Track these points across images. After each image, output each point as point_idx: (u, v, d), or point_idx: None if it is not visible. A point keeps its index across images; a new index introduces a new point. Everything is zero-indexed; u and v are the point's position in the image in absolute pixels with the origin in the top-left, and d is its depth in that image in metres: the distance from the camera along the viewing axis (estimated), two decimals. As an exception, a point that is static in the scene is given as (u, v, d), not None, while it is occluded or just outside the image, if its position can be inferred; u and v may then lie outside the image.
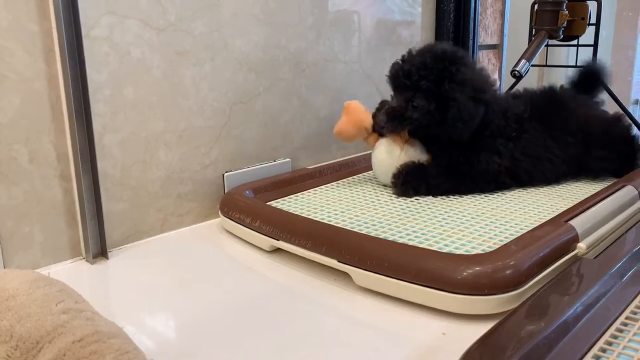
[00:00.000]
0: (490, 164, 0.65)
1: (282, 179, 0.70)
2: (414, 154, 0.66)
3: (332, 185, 0.72)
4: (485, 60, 1.06)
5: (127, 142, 0.58)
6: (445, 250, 0.49)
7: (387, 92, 0.67)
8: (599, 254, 0.47)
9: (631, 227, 0.54)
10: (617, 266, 0.44)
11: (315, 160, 0.78)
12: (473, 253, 0.48)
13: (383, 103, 0.67)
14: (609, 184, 0.66)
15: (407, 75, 0.62)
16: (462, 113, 0.61)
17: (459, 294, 0.43)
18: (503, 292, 0.43)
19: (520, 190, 0.67)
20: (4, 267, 0.51)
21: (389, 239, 0.52)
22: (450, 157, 0.65)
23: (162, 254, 0.59)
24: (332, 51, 0.78)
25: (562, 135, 0.66)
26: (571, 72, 0.76)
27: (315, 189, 0.70)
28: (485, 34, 1.05)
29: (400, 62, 0.65)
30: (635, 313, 0.39)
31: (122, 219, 0.59)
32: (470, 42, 0.95)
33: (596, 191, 0.63)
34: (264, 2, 0.68)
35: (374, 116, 0.67)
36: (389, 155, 0.67)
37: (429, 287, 0.44)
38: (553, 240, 0.49)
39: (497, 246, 0.49)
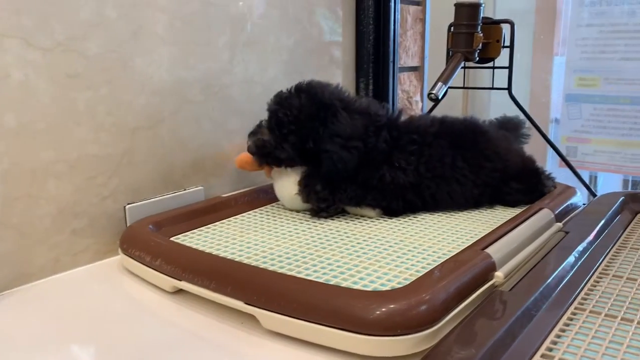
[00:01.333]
0: (395, 178, 0.63)
1: (192, 209, 0.65)
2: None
3: (249, 214, 0.67)
4: (406, 82, 1.06)
5: (8, 175, 0.52)
6: (359, 285, 0.46)
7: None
8: (515, 284, 0.45)
9: (548, 252, 0.53)
10: (532, 299, 0.42)
11: (232, 187, 0.74)
12: (386, 288, 0.45)
13: (259, 127, 0.65)
14: (524, 209, 0.65)
15: (279, 123, 0.63)
16: (335, 164, 0.61)
17: (372, 336, 0.40)
18: (418, 331, 0.40)
19: (436, 215, 0.65)
20: None
21: (301, 274, 0.48)
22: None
23: (53, 299, 0.52)
24: (247, 72, 0.74)
25: (476, 158, 0.65)
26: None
27: (230, 219, 0.66)
28: (406, 56, 1.05)
29: (278, 102, 0.64)
30: (550, 350, 0.37)
31: (4, 261, 0.52)
32: (391, 64, 0.94)
33: (512, 216, 0.62)
34: (168, 21, 0.64)
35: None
36: (287, 178, 0.65)
37: (340, 329, 0.40)
38: (469, 271, 0.47)
39: (412, 278, 0.46)
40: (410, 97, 1.07)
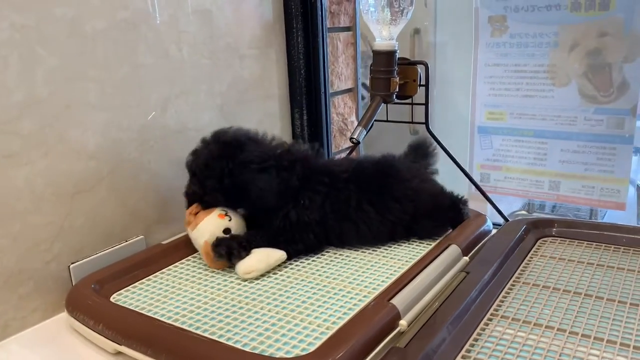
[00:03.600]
0: (301, 215, 0.69)
1: (132, 263, 0.69)
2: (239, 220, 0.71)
3: (187, 260, 0.73)
4: (341, 105, 1.12)
5: (-48, 257, 0.56)
6: (277, 347, 0.52)
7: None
8: (410, 339, 0.52)
9: (449, 295, 0.60)
10: (423, 354, 0.50)
11: (172, 232, 0.79)
12: (300, 352, 0.51)
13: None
14: (435, 242, 0.73)
15: (193, 173, 0.71)
16: (262, 189, 0.67)
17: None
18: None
19: (345, 256, 0.71)
20: None
21: (231, 340, 0.54)
22: (263, 216, 0.70)
23: (3, 365, 0.57)
24: (181, 122, 0.79)
25: (384, 202, 0.71)
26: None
27: (170, 267, 0.71)
28: (339, 81, 1.10)
29: (191, 156, 0.71)
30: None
31: (-46, 335, 0.56)
32: (322, 94, 0.99)
33: (423, 253, 0.69)
34: (99, 89, 0.67)
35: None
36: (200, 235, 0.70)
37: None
38: (375, 325, 0.54)
39: (324, 336, 0.53)
40: (345, 119, 1.13)
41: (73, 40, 0.64)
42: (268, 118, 0.96)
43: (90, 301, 0.61)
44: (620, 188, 0.77)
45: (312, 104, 1.01)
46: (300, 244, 0.70)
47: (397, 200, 0.72)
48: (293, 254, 0.71)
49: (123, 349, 0.55)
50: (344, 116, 1.13)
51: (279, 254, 0.68)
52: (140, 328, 0.56)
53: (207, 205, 0.71)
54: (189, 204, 0.72)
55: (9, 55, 0.58)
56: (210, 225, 0.69)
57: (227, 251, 0.66)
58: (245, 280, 0.66)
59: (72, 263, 0.67)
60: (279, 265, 0.69)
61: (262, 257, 0.67)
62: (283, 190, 0.69)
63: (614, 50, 0.75)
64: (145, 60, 0.72)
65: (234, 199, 0.71)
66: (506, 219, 0.85)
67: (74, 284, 0.66)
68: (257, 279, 0.66)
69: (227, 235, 0.69)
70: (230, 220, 0.70)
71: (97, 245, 0.70)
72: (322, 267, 0.69)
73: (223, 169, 0.68)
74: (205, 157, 0.69)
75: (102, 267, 0.68)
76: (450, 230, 0.76)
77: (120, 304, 0.62)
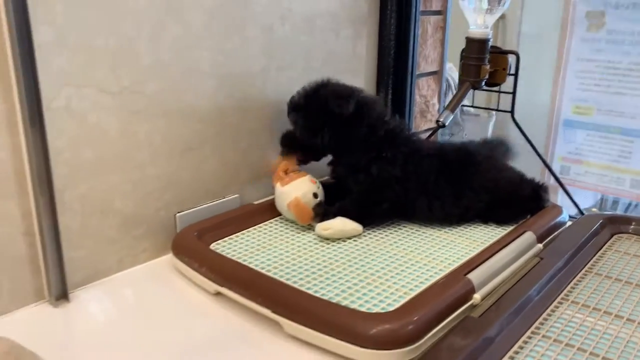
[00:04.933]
0: (382, 170, 0.74)
1: (228, 217, 0.77)
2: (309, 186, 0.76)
3: (275, 220, 0.80)
4: (425, 87, 1.14)
5: (85, 197, 0.65)
6: (360, 303, 0.58)
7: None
8: (485, 311, 0.57)
9: (522, 277, 0.64)
10: (495, 325, 0.54)
11: (263, 193, 0.86)
12: (379, 309, 0.57)
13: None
14: (511, 228, 0.76)
15: (292, 109, 0.78)
16: (338, 99, 0.74)
17: (369, 349, 0.52)
18: (404, 347, 0.52)
19: (424, 231, 0.76)
20: (-25, 315, 0.58)
21: (318, 292, 0.60)
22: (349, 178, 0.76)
23: (118, 293, 0.66)
24: (278, 95, 0.85)
25: (460, 186, 0.75)
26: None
27: (260, 224, 0.78)
28: (426, 63, 1.13)
29: (294, 97, 0.78)
30: (501, 370, 0.49)
31: (83, 263, 0.66)
32: (409, 76, 1.03)
33: (497, 238, 0.73)
34: (212, 58, 0.74)
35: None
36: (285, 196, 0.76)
37: (344, 342, 0.53)
38: (451, 295, 0.58)
39: (403, 299, 0.58)
40: (427, 101, 1.16)
41: (195, 12, 0.71)
42: (355, 95, 1.00)
43: (194, 247, 0.69)
44: None
45: (397, 84, 1.04)
46: (385, 203, 0.75)
47: (473, 189, 0.75)
48: (380, 216, 0.76)
49: (224, 290, 0.62)
50: (426, 98, 1.16)
51: (355, 225, 0.74)
52: (240, 274, 0.63)
53: (306, 149, 0.78)
54: (288, 151, 0.79)
55: (142, 23, 0.66)
56: (304, 185, 0.76)
57: (324, 212, 0.74)
58: (324, 238, 0.72)
59: (178, 212, 0.75)
60: (360, 235, 0.75)
61: (340, 221, 0.74)
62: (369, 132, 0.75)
63: None
64: (252, 33, 0.79)
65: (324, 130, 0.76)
66: (582, 212, 0.87)
67: (178, 230, 0.74)
68: (338, 243, 0.72)
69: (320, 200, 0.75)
70: (318, 187, 0.76)
71: (199, 199, 0.78)
72: (400, 239, 0.74)
73: (310, 103, 0.76)
74: (297, 100, 0.77)
75: (202, 219, 0.76)
76: (529, 216, 0.79)
77: (220, 252, 0.69)
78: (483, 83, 0.84)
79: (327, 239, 0.73)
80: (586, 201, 1.02)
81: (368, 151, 0.75)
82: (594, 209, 1.04)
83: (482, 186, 0.75)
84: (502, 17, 1.31)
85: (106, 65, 0.63)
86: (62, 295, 0.63)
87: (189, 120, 0.74)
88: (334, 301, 0.58)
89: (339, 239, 0.73)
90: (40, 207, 0.60)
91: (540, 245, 0.73)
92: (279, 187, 0.78)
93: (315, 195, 0.75)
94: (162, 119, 0.70)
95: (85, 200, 0.65)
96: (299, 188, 0.75)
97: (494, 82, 0.87)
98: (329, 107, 0.74)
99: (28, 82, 0.56)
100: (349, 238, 0.74)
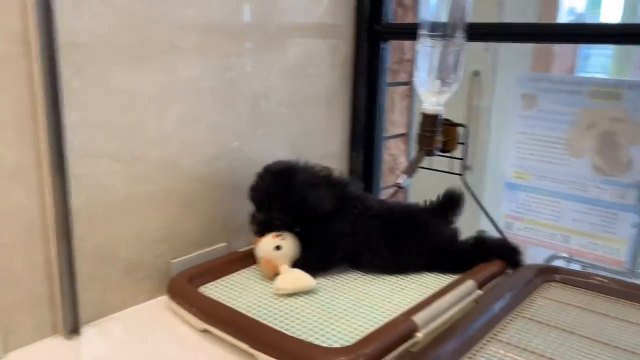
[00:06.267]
0: (337, 226, 0.88)
1: (216, 264, 0.90)
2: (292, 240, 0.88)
3: (257, 266, 0.93)
4: (393, 147, 1.30)
5: (97, 247, 0.78)
6: (322, 340, 0.71)
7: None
8: (422, 347, 0.70)
9: (458, 319, 0.77)
10: (433, 355, 0.67)
11: (247, 241, 0.99)
12: (339, 346, 0.70)
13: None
14: (457, 276, 0.89)
15: (260, 202, 0.88)
16: (318, 199, 0.86)
17: (325, 376, 0.65)
18: (354, 375, 0.65)
19: (382, 277, 0.89)
20: (4, 345, 0.70)
21: (289, 330, 0.73)
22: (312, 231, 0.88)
23: (120, 329, 0.78)
24: (261, 157, 0.99)
25: (401, 243, 0.89)
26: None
27: (244, 269, 0.91)
28: (394, 127, 1.29)
29: (254, 190, 0.88)
30: (430, 393, 0.62)
31: (92, 302, 0.78)
32: (378, 138, 1.18)
33: (444, 284, 0.86)
34: (209, 130, 0.89)
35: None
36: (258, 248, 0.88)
37: (307, 370, 0.66)
38: (398, 333, 0.71)
39: (358, 337, 0.71)
40: (396, 159, 1.31)
41: (193, 93, 0.86)
42: (330, 156, 1.15)
43: (185, 290, 0.82)
44: (620, 247, 0.91)
45: (368, 146, 1.19)
46: (338, 252, 0.89)
47: (410, 251, 0.89)
48: (334, 263, 0.90)
49: (209, 327, 0.75)
50: (394, 156, 1.31)
51: (307, 282, 0.84)
52: (222, 314, 0.76)
53: (277, 228, 0.89)
54: (261, 232, 0.89)
55: (150, 104, 0.80)
56: (267, 243, 0.88)
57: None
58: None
59: (173, 259, 0.88)
60: (326, 278, 0.88)
61: (291, 279, 0.84)
62: (333, 200, 0.87)
63: (624, 133, 0.90)
64: (241, 110, 0.93)
65: (297, 215, 0.88)
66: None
67: (173, 275, 0.87)
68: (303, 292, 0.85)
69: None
70: (282, 239, 0.88)
71: (192, 247, 0.91)
72: (360, 284, 0.87)
73: (282, 193, 0.86)
74: (266, 186, 0.88)
75: (194, 265, 0.89)
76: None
77: (207, 294, 0.82)
78: (436, 151, 0.99)
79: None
80: (541, 255, 1.16)
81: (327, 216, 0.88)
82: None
83: (418, 249, 0.90)
84: (476, 73, 1.51)
85: (119, 139, 0.77)
86: (74, 329, 0.76)
87: (186, 182, 0.87)
88: (301, 337, 0.71)
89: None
90: (61, 255, 0.73)
91: (480, 292, 0.86)
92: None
93: (277, 248, 0.87)
94: (163, 181, 0.84)
95: (97, 249, 0.78)
96: (262, 247, 0.88)
97: (446, 149, 1.02)
98: (308, 204, 0.86)
99: (57, 155, 0.70)
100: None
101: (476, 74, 1.58)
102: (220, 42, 0.88)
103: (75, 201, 0.74)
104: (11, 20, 0.65)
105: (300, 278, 0.85)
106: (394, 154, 1.31)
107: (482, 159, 1.21)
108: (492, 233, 1.00)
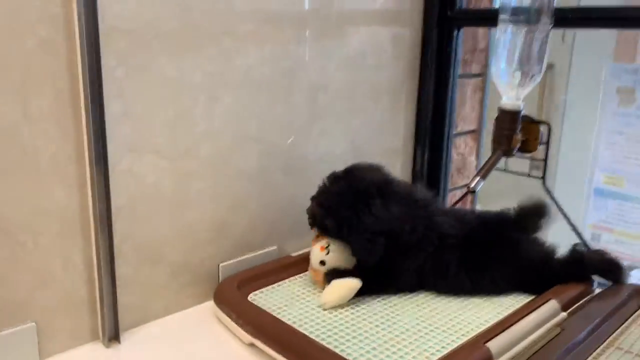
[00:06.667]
0: (401, 264, 0.78)
1: (267, 269, 0.83)
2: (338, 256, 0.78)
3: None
4: (462, 145, 1.19)
5: (140, 248, 0.72)
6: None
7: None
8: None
9: (539, 348, 0.66)
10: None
11: (300, 245, 0.92)
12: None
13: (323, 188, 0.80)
14: (535, 296, 0.78)
15: (321, 204, 0.78)
16: (358, 253, 0.76)
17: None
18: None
19: (450, 302, 0.78)
20: (39, 351, 0.65)
21: (344, 352, 0.64)
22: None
23: (163, 337, 0.73)
24: (317, 154, 0.91)
25: (485, 271, 0.78)
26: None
27: (296, 276, 0.84)
28: (464, 123, 1.18)
29: (324, 187, 0.79)
30: None
31: (134, 307, 0.73)
32: (445, 135, 1.07)
33: (522, 304, 0.76)
34: (259, 125, 0.82)
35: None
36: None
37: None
38: (469, 363, 0.62)
39: (423, 365, 0.62)
40: (465, 158, 1.20)
41: (245, 84, 0.79)
42: (392, 153, 1.06)
43: (233, 298, 0.75)
44: None
45: (435, 143, 1.09)
46: (392, 288, 0.79)
47: (493, 281, 0.78)
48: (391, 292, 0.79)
49: (257, 342, 0.68)
50: (463, 155, 1.20)
51: (350, 285, 0.75)
52: (272, 328, 0.68)
53: (321, 227, 0.80)
54: (311, 219, 0.81)
55: (199, 95, 0.74)
56: (314, 254, 0.80)
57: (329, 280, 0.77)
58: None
59: (221, 262, 0.81)
60: (383, 298, 0.78)
61: (335, 291, 0.75)
62: (384, 257, 0.76)
63: None
64: (296, 101, 0.86)
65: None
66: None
67: (220, 280, 0.81)
68: (366, 301, 0.77)
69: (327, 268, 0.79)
70: (327, 253, 0.79)
71: (241, 250, 0.84)
72: (425, 301, 0.78)
73: (347, 218, 0.75)
74: (334, 198, 0.77)
75: (243, 269, 0.82)
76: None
77: (256, 304, 0.75)
78: (514, 151, 0.88)
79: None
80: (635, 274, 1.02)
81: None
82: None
83: (504, 275, 0.78)
84: (550, 66, 1.37)
85: (165, 133, 0.71)
86: (114, 336, 0.71)
87: (236, 180, 0.81)
88: (358, 361, 0.63)
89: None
90: (100, 257, 0.68)
91: (564, 314, 0.75)
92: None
93: (322, 263, 0.79)
94: (212, 179, 0.78)
95: (139, 250, 0.72)
96: (312, 257, 0.81)
97: (525, 150, 0.91)
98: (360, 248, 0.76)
99: (98, 149, 0.65)
100: (375, 299, 0.78)
101: (550, 66, 1.43)
102: (276, 29, 0.81)
103: (117, 199, 0.68)
104: (51, 2, 0.60)
105: (342, 285, 0.76)
106: (463, 152, 1.20)
107: (555, 160, 1.08)
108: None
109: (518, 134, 0.87)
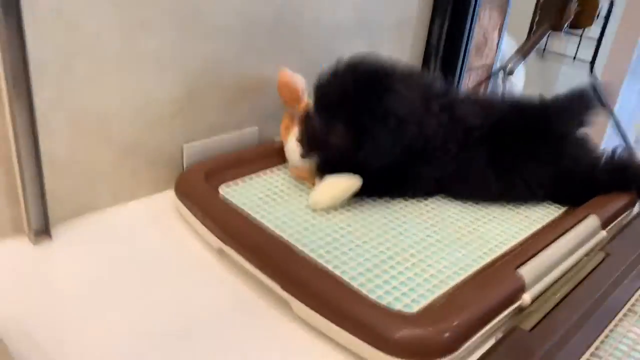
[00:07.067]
0: (422, 171, 0.63)
1: (243, 156, 0.67)
2: None
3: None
4: (485, 18, 0.98)
5: (76, 120, 0.54)
6: (385, 290, 0.48)
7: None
8: (536, 324, 0.47)
9: (581, 279, 0.53)
10: (550, 344, 0.44)
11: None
12: (410, 302, 0.47)
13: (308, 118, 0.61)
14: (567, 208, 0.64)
15: (328, 99, 0.58)
16: (376, 150, 0.58)
17: (390, 355, 0.43)
18: (437, 358, 0.43)
19: (469, 209, 0.64)
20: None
21: (337, 268, 0.51)
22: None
23: (109, 232, 0.57)
24: (314, 16, 0.71)
25: (517, 165, 0.63)
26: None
27: (279, 166, 0.68)
28: (492, -10, 0.96)
29: (326, 80, 0.58)
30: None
31: (69, 195, 0.57)
32: (472, 5, 0.87)
33: (554, 217, 0.62)
34: (242, -38, 0.60)
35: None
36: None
37: (362, 340, 0.44)
38: (498, 294, 0.48)
39: (437, 291, 0.49)
40: (486, 34, 1.01)
41: None
42: (404, 24, 0.86)
43: (200, 190, 0.59)
44: None
45: (456, 12, 0.89)
46: (401, 192, 0.64)
47: (536, 174, 0.63)
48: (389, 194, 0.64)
49: (227, 249, 0.53)
50: (486, 30, 1.00)
51: (347, 183, 0.60)
52: (249, 234, 0.53)
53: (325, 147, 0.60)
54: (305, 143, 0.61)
55: None
56: (290, 150, 0.64)
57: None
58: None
59: (186, 142, 0.64)
60: (385, 200, 0.63)
61: (327, 189, 0.60)
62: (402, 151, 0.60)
63: None
64: None
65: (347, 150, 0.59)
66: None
67: (185, 165, 0.64)
68: (367, 203, 0.62)
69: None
70: None
71: (212, 129, 0.67)
72: (440, 209, 0.63)
73: (367, 100, 0.57)
74: (345, 82, 0.58)
75: (214, 155, 0.66)
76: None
77: (228, 200, 0.59)
78: (566, 25, 0.69)
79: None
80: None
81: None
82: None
83: (541, 179, 0.64)
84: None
85: (106, -41, 0.50)
86: (42, 230, 0.55)
87: (206, 37, 0.61)
88: (354, 284, 0.49)
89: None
90: (17, 128, 0.50)
91: (604, 233, 0.62)
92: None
93: (304, 157, 0.62)
94: (175, 32, 0.58)
95: (75, 123, 0.54)
96: (288, 153, 0.65)
97: (578, 24, 0.72)
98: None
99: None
100: (377, 200, 0.63)
101: None
102: None
103: (38, 52, 0.49)
104: None
105: (337, 184, 0.60)
106: (485, 26, 0.99)
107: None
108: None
109: (573, 4, 0.68)
